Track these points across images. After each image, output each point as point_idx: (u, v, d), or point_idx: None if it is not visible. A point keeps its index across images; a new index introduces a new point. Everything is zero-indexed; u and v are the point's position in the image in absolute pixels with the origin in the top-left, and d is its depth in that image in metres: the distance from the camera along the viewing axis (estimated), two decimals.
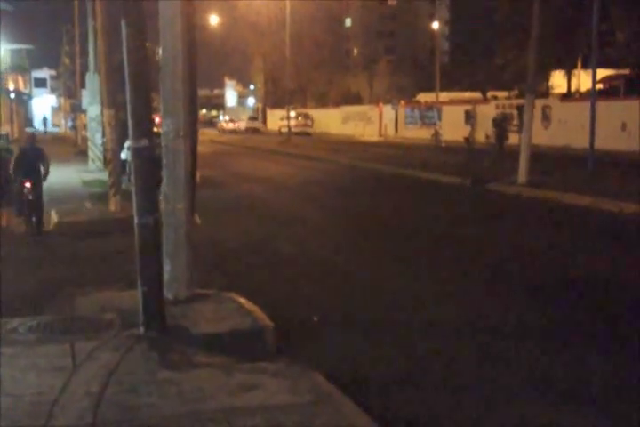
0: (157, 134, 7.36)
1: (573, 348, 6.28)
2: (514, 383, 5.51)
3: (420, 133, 46.93)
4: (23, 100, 60.28)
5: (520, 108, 26.21)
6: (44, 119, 74.61)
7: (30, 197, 12.31)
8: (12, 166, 12.41)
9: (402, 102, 54.49)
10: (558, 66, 44.94)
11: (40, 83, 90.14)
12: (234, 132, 68.42)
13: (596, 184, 17.65)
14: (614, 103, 31.48)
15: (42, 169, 12.55)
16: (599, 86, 34.06)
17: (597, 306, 7.59)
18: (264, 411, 4.68)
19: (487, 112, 38.20)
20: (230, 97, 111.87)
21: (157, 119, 12.06)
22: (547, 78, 46.20)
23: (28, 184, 12.29)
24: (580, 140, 26.62)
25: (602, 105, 24.40)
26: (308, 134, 57.82)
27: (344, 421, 4.57)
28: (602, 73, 36.87)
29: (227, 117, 78.73)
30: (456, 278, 8.92)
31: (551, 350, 6.24)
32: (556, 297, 7.99)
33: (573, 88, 46.63)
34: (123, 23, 6.27)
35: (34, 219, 12.44)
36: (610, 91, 38.71)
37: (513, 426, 4.83)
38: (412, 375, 5.74)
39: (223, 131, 70.64)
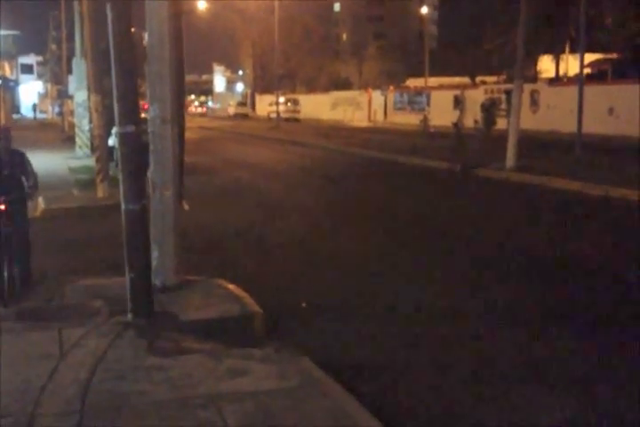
0: (144, 120, 7.32)
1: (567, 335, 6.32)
2: (506, 367, 5.54)
3: (408, 119, 46.87)
4: (10, 87, 59.84)
5: (508, 93, 26.19)
6: (34, 106, 74.13)
7: (5, 232, 7.27)
8: None
9: (391, 88, 54.44)
10: (547, 50, 44.94)
11: (27, 69, 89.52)
12: (204, 115, 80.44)
13: (584, 169, 17.71)
14: (602, 87, 31.54)
15: (25, 183, 7.75)
16: (587, 71, 34.13)
17: (582, 287, 7.63)
18: (253, 396, 4.69)
19: (476, 97, 38.21)
20: (219, 82, 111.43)
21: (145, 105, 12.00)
22: (535, 63, 46.17)
23: (1, 207, 7.32)
24: (567, 125, 26.67)
25: (589, 89, 24.45)
26: (297, 120, 57.67)
27: (332, 405, 4.58)
28: (590, 57, 36.93)
29: (196, 103, 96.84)
30: (446, 264, 8.94)
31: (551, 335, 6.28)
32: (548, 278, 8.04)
33: (561, 73, 46.63)
34: (108, 7, 6.22)
35: (11, 270, 7.30)
36: (598, 75, 38.77)
37: (502, 409, 4.86)
38: (401, 360, 5.76)
39: (192, 114, 79.66)
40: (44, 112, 73.75)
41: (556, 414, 4.73)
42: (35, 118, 63.04)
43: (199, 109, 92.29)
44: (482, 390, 5.12)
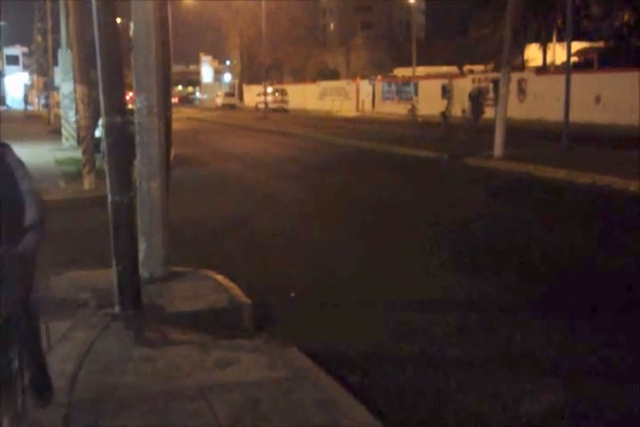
0: (131, 111, 7.27)
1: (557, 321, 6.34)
2: (489, 358, 5.56)
3: (397, 108, 46.89)
4: None
5: (496, 82, 26.23)
6: (25, 97, 73.72)
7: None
8: None
9: (379, 77, 54.37)
10: (534, 39, 45.00)
11: (12, 60, 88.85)
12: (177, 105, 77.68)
13: (571, 157, 17.79)
14: (588, 76, 31.61)
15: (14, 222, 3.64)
16: (574, 59, 34.19)
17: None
18: (241, 387, 4.68)
19: (464, 86, 38.21)
20: (206, 73, 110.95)
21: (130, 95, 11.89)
22: (522, 52, 46.23)
23: None
24: (554, 114, 26.77)
25: (576, 78, 24.48)
26: (285, 110, 57.56)
27: (321, 395, 4.58)
28: (576, 46, 37.00)
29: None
30: (436, 257, 8.95)
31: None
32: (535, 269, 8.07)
33: (549, 61, 46.69)
34: None
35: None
36: (584, 64, 38.87)
37: (490, 396, 4.87)
38: (390, 350, 5.76)
39: None
40: (31, 104, 73.36)
41: (542, 403, 4.74)
42: (25, 110, 62.83)
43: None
44: (472, 380, 5.13)
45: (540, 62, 46.87)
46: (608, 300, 6.91)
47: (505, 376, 5.18)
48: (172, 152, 8.02)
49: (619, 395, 4.87)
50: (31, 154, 20.75)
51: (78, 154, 16.00)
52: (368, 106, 53.72)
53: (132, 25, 7.21)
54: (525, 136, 23.25)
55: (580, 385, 5.03)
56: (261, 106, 52.10)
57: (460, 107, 32.97)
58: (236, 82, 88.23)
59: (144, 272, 6.82)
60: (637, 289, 7.28)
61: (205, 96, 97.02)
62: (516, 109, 30.27)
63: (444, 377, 5.19)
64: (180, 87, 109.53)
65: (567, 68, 21.81)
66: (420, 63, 51.81)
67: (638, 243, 9.40)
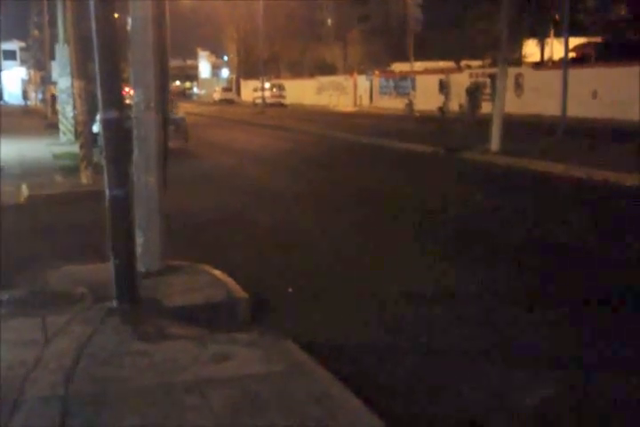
0: (128, 106, 7.29)
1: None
2: (485, 350, 5.59)
3: (394, 103, 46.86)
4: None
5: (493, 77, 26.24)
6: (24, 92, 73.68)
7: None
8: None
9: (376, 72, 54.33)
10: (532, 34, 45.02)
11: (9, 55, 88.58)
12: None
13: (567, 151, 17.83)
14: (585, 71, 31.61)
15: None
16: (571, 55, 34.19)
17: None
18: (238, 381, 4.70)
19: (461, 81, 38.20)
20: (204, 68, 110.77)
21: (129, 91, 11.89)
22: (520, 47, 46.22)
23: None
24: (551, 108, 26.77)
25: (573, 73, 24.50)
26: (282, 105, 57.53)
27: (317, 388, 4.60)
28: (574, 41, 37.02)
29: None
30: (432, 249, 8.97)
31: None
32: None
33: (546, 57, 46.69)
34: None
35: None
36: (581, 59, 38.87)
37: (489, 390, 4.90)
38: (386, 343, 5.79)
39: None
40: (28, 99, 73.32)
41: (538, 395, 4.77)
42: (26, 105, 62.89)
43: None
44: (468, 372, 5.16)
45: (537, 58, 46.87)
46: (607, 292, 6.94)
47: (501, 368, 5.21)
48: (170, 145, 8.02)
49: (616, 387, 4.90)
50: (28, 148, 20.80)
51: (76, 148, 16.00)
52: (365, 101, 53.71)
53: (129, 20, 7.22)
54: (522, 131, 23.28)
55: (578, 377, 5.05)
56: (259, 101, 52.05)
57: (458, 102, 33.00)
58: (234, 77, 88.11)
59: (141, 266, 6.84)
60: (636, 282, 7.31)
61: (203, 91, 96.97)
62: (514, 104, 30.24)
63: (440, 369, 5.21)
64: (177, 82, 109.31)
65: (564, 62, 21.85)
66: (417, 58, 51.77)
67: (634, 235, 9.41)
